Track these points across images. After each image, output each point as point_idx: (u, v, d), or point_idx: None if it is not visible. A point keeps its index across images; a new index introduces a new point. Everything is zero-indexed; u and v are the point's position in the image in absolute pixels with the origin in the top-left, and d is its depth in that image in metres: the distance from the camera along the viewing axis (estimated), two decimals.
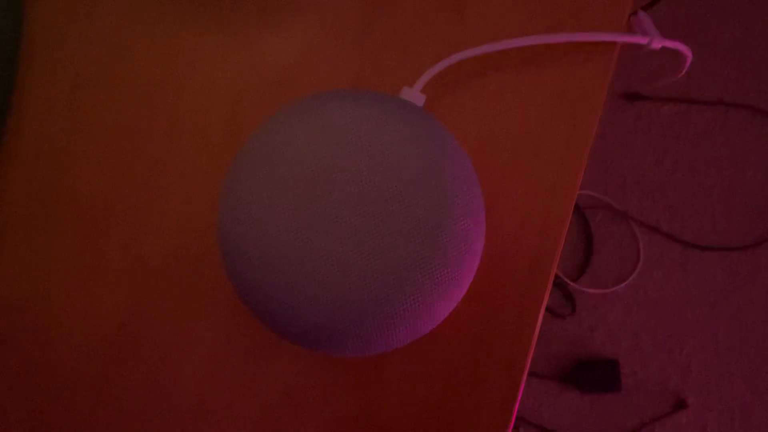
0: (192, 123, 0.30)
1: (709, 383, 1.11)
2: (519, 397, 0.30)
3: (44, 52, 0.30)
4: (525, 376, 0.30)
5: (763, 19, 1.13)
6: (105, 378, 0.29)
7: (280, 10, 0.30)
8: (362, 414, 0.30)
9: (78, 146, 0.29)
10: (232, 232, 0.26)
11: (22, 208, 0.29)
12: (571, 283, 1.10)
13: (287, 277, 0.25)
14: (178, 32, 0.30)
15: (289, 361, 0.30)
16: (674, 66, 1.14)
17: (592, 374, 1.07)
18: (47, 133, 0.29)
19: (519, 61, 0.30)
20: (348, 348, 0.27)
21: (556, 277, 1.10)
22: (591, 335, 1.11)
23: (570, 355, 1.10)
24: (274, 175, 0.25)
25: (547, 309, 1.11)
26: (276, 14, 0.30)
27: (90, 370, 0.29)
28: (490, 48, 0.29)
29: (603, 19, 0.31)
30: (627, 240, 1.12)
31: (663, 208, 1.12)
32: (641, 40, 0.31)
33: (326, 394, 0.30)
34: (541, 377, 1.10)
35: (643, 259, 1.12)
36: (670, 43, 0.33)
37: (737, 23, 1.13)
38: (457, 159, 0.26)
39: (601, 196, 1.11)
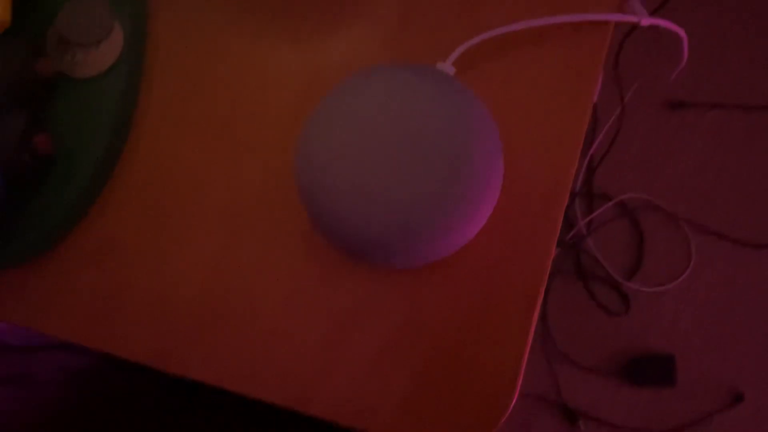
0: (271, 101, 0.40)
1: (765, 378, 1.14)
2: (539, 303, 0.38)
3: (164, 54, 0.40)
4: (544, 287, 0.38)
5: None
6: (207, 307, 0.39)
7: (336, 16, 0.40)
8: (411, 320, 0.38)
9: (186, 126, 0.40)
10: (305, 172, 0.35)
11: (145, 177, 0.39)
12: (625, 283, 1.15)
13: (349, 204, 0.33)
14: (258, 40, 0.40)
15: (352, 278, 0.39)
16: (707, 71, 1.19)
17: (649, 369, 1.11)
18: (165, 112, 0.40)
19: (530, 39, 0.39)
20: (397, 259, 0.35)
21: (611, 277, 1.16)
22: (646, 332, 1.15)
23: (626, 352, 1.15)
24: (335, 130, 0.34)
25: (603, 307, 1.16)
26: (333, 19, 0.40)
27: (195, 301, 0.39)
28: (505, 29, 0.38)
29: (599, 2, 0.40)
30: (678, 240, 1.16)
31: (713, 209, 1.17)
32: (632, 19, 0.40)
33: (382, 304, 0.38)
34: (599, 373, 1.15)
35: (695, 258, 1.16)
36: (658, 22, 0.41)
37: None
38: (478, 111, 0.35)
39: (652, 198, 1.17)
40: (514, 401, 0.38)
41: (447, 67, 0.37)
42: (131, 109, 0.39)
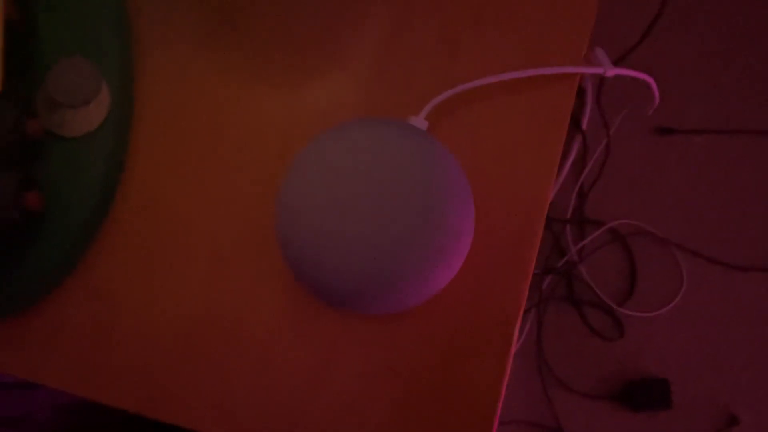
0: (253, 148, 0.41)
1: (760, 400, 1.14)
2: (513, 345, 0.39)
3: (150, 109, 0.42)
4: (517, 330, 0.40)
5: None
6: (193, 349, 0.40)
7: (314, 69, 0.42)
8: (389, 359, 0.40)
9: (174, 174, 0.41)
10: (285, 222, 0.36)
11: (134, 225, 0.41)
12: (618, 309, 1.16)
13: (324, 254, 0.35)
14: (242, 91, 0.42)
15: (332, 322, 0.40)
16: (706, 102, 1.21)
17: (643, 393, 1.12)
18: (153, 163, 0.42)
19: (500, 91, 0.41)
20: (374, 306, 0.36)
21: (604, 302, 1.17)
22: (640, 356, 1.16)
23: (621, 376, 1.16)
24: (311, 183, 0.35)
25: (596, 333, 1.17)
26: (312, 71, 0.42)
27: (182, 344, 0.40)
28: (476, 83, 0.39)
29: (565, 55, 0.41)
30: (670, 265, 1.18)
31: (703, 233, 1.18)
32: (597, 71, 0.42)
33: (360, 348, 0.40)
34: (594, 397, 1.16)
35: (687, 282, 1.17)
36: (623, 71, 0.43)
37: (761, 53, 1.20)
38: (449, 164, 0.36)
39: (642, 224, 1.18)
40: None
41: (420, 121, 0.39)
42: (120, 165, 0.40)
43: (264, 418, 0.39)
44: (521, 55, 0.41)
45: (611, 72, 0.42)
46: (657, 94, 0.47)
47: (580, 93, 1.10)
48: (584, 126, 1.14)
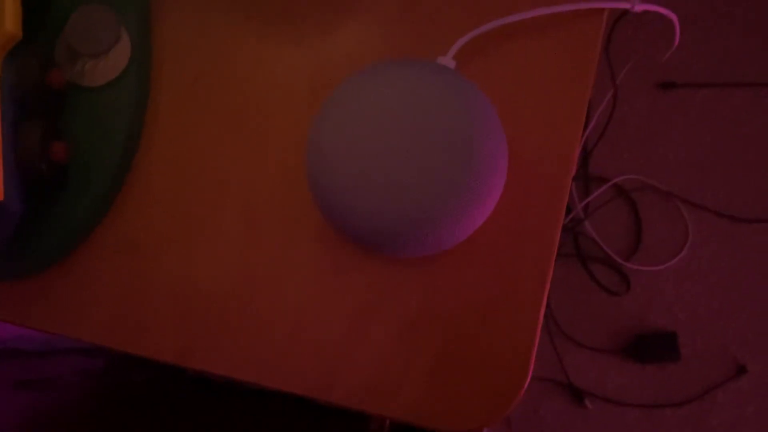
0: (279, 98, 0.41)
1: (767, 349, 1.16)
2: (548, 285, 0.39)
3: (171, 58, 0.41)
4: (552, 269, 0.40)
5: None
6: (227, 301, 0.40)
7: (336, 14, 0.41)
8: (425, 306, 0.39)
9: (198, 127, 0.41)
10: (317, 169, 0.36)
11: (161, 176, 0.40)
12: (624, 263, 1.17)
13: (360, 196, 0.34)
14: (263, 41, 0.41)
15: (367, 268, 0.40)
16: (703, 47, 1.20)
17: (652, 346, 1.13)
18: (177, 114, 0.41)
19: (527, 28, 0.40)
20: (409, 248, 0.36)
21: (610, 258, 1.17)
22: (648, 310, 1.17)
23: (629, 330, 1.17)
24: (344, 124, 0.35)
25: (603, 288, 1.17)
26: (334, 17, 0.41)
27: (216, 296, 0.40)
28: (503, 21, 0.39)
29: None
30: (675, 218, 1.18)
31: (707, 186, 1.18)
32: (625, 5, 0.41)
33: (397, 293, 0.40)
34: (603, 351, 1.17)
35: (692, 235, 1.18)
36: (651, 7, 0.42)
37: (764, 8, 1.20)
38: (482, 103, 0.36)
39: (646, 179, 1.18)
40: (528, 380, 0.39)
41: (448, 60, 0.38)
42: (143, 114, 0.40)
43: (303, 366, 0.39)
44: None
45: (639, 7, 0.41)
46: (678, 33, 0.47)
47: None
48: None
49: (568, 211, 1.18)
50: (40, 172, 0.36)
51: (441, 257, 0.40)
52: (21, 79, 0.36)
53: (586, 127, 1.19)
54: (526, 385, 0.39)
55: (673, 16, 0.45)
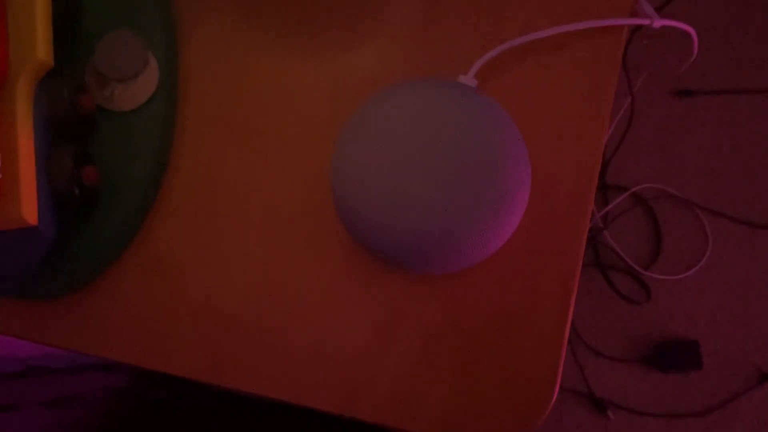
0: (302, 116, 0.41)
1: None
2: (573, 298, 0.40)
3: (198, 81, 0.42)
4: (577, 282, 0.40)
5: None
6: (254, 317, 0.40)
7: (357, 33, 0.42)
8: (449, 322, 0.40)
9: (223, 147, 0.42)
10: (343, 187, 0.36)
11: (189, 196, 0.41)
12: (644, 272, 1.16)
13: (386, 213, 0.35)
14: (285, 60, 0.42)
15: (391, 284, 0.40)
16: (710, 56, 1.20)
17: (674, 354, 1.12)
18: (203, 135, 0.42)
19: (547, 47, 0.41)
20: (434, 265, 0.36)
21: (630, 267, 1.17)
22: (669, 319, 1.16)
23: (650, 339, 1.16)
24: (369, 141, 0.35)
25: (624, 297, 1.17)
26: (355, 36, 0.42)
27: (243, 313, 0.40)
28: (523, 39, 0.39)
29: (611, 7, 0.41)
30: (694, 227, 1.17)
31: (726, 193, 1.17)
32: (645, 22, 0.41)
33: (421, 308, 0.40)
34: (624, 361, 1.16)
35: (712, 243, 1.17)
36: (670, 22, 0.43)
37: None
38: (504, 121, 0.36)
39: (665, 187, 1.18)
40: (555, 394, 0.39)
41: (469, 79, 0.39)
42: (170, 137, 0.41)
43: (329, 382, 0.40)
44: (568, 9, 0.41)
45: (658, 23, 0.42)
46: (696, 45, 0.47)
47: None
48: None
49: None
50: (73, 197, 0.37)
51: (466, 272, 0.40)
52: (52, 106, 0.36)
53: None
54: (554, 400, 0.39)
55: (691, 30, 0.45)
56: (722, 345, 1.16)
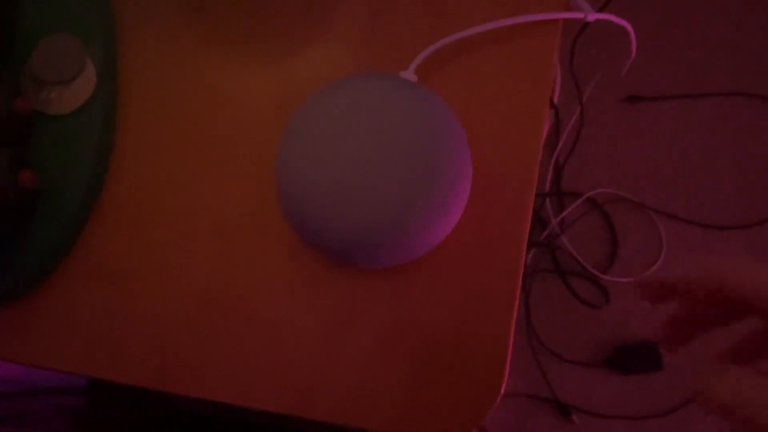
0: (247, 118, 0.41)
1: None
2: (518, 291, 0.40)
3: (138, 83, 0.42)
4: (521, 271, 0.40)
5: (747, 15, 1.23)
6: (202, 322, 0.40)
7: (301, 34, 0.42)
8: (400, 316, 0.40)
9: (167, 150, 0.41)
10: (286, 182, 0.36)
11: (131, 199, 0.40)
12: (602, 276, 1.18)
13: (329, 208, 0.34)
14: (228, 61, 0.42)
15: (340, 281, 0.40)
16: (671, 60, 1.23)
17: (634, 356, 1.14)
18: (144, 138, 0.41)
19: (485, 41, 0.41)
20: (379, 258, 0.36)
21: (588, 271, 1.18)
22: (627, 321, 1.18)
23: (610, 342, 1.17)
24: (311, 136, 0.35)
25: (583, 301, 1.18)
26: (299, 36, 0.42)
27: (190, 318, 0.40)
28: (460, 35, 0.40)
29: (547, 2, 0.42)
30: (649, 229, 1.20)
31: (678, 196, 1.20)
32: (578, 15, 0.42)
33: (371, 305, 0.40)
34: (586, 365, 1.17)
35: (666, 245, 1.19)
36: (603, 16, 0.44)
37: (723, 19, 1.23)
38: (444, 112, 0.36)
39: (618, 192, 1.20)
40: (503, 387, 0.39)
41: (409, 74, 0.39)
42: (110, 139, 0.40)
43: (281, 383, 0.39)
44: (505, 4, 0.42)
45: (592, 17, 0.42)
46: (634, 42, 0.48)
47: None
48: (555, 100, 1.15)
49: (545, 227, 1.20)
50: (9, 201, 0.36)
51: (412, 268, 0.40)
52: None
53: (556, 144, 1.21)
54: (501, 392, 0.39)
55: (627, 25, 0.46)
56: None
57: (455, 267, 0.40)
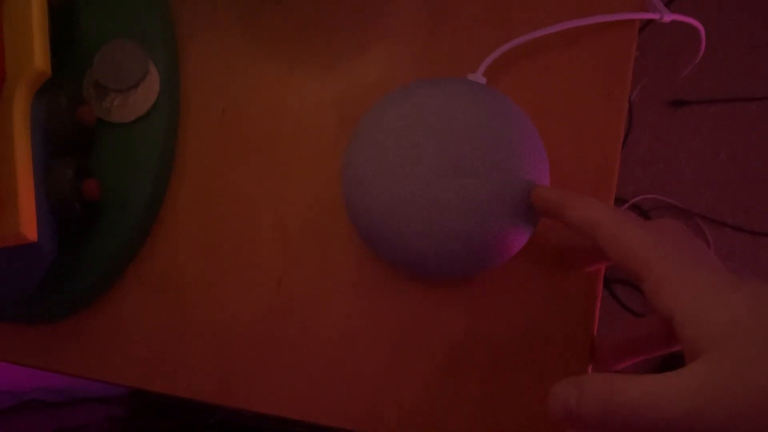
0: (310, 124, 0.40)
1: None
2: (598, 302, 0.38)
3: (199, 91, 0.41)
4: (601, 285, 0.38)
5: None
6: (266, 335, 0.38)
7: (362, 38, 0.41)
8: (471, 330, 0.38)
9: (228, 158, 0.40)
10: (354, 193, 0.35)
11: (194, 207, 0.40)
12: None
13: (401, 217, 0.33)
14: (290, 70, 0.40)
15: (408, 294, 0.39)
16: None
17: (682, 365, 1.11)
18: (206, 146, 0.40)
19: (558, 42, 0.40)
20: (451, 270, 0.35)
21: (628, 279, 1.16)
22: None
23: None
24: (380, 145, 0.34)
25: (628, 309, 1.15)
26: (361, 41, 0.41)
27: (254, 331, 0.38)
28: (531, 36, 0.38)
29: (622, 1, 0.40)
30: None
31: (726, 202, 1.17)
32: (654, 16, 0.40)
33: (441, 318, 0.38)
34: (636, 372, 1.14)
35: (715, 252, 1.16)
36: (680, 17, 0.42)
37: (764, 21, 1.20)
38: (519, 116, 0.35)
39: (664, 198, 1.17)
40: None
41: (478, 77, 0.38)
42: (173, 148, 0.39)
43: (348, 400, 0.38)
44: (578, 4, 0.40)
45: (668, 17, 0.41)
46: (704, 42, 0.46)
47: None
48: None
49: None
50: (74, 211, 0.35)
51: (485, 279, 0.38)
52: (51, 117, 0.35)
53: None
54: None
55: (700, 26, 0.44)
56: None
57: (530, 279, 0.38)
